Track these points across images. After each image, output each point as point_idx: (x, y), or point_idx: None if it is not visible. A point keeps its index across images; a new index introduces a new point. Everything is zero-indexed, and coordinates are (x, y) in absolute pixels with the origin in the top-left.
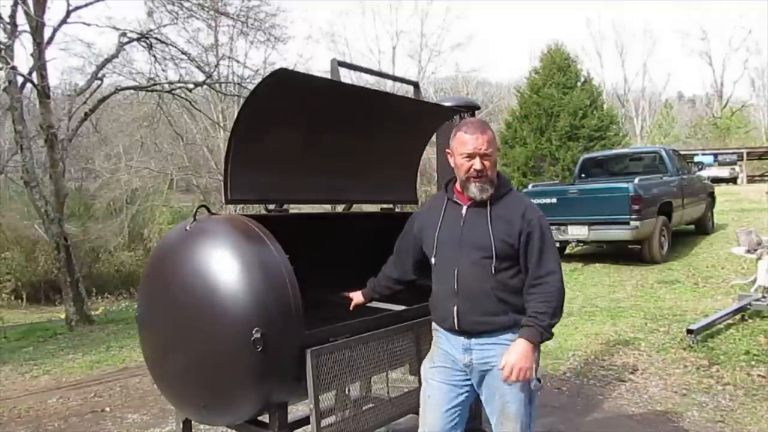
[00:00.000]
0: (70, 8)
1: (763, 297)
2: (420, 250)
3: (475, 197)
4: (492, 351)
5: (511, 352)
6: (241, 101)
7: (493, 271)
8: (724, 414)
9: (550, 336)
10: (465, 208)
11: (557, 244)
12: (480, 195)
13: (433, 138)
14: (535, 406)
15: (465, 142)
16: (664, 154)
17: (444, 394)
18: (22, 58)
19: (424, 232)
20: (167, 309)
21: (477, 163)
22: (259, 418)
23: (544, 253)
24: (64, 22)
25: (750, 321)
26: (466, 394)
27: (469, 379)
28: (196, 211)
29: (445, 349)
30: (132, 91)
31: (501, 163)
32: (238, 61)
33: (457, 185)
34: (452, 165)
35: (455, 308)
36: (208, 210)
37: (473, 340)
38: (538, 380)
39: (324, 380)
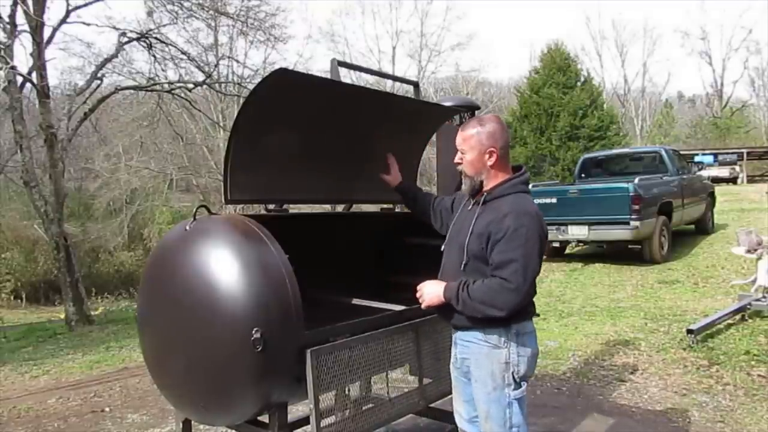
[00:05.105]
0: (70, 8)
1: (763, 297)
2: (445, 215)
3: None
4: (467, 348)
5: (431, 283)
6: (241, 101)
7: (462, 268)
8: (724, 414)
9: (455, 302)
10: (471, 205)
11: (557, 245)
12: (465, 189)
13: (433, 138)
14: (516, 411)
15: None
16: (664, 154)
17: (460, 387)
18: (22, 57)
19: (451, 217)
20: (167, 309)
21: (456, 156)
22: (259, 418)
23: (505, 254)
24: (63, 21)
25: (750, 321)
26: None
27: None
28: (196, 211)
29: (452, 345)
30: (132, 90)
31: None
32: (237, 61)
33: None
34: None
35: None
36: (208, 210)
37: (458, 334)
38: (519, 384)
39: (324, 380)
